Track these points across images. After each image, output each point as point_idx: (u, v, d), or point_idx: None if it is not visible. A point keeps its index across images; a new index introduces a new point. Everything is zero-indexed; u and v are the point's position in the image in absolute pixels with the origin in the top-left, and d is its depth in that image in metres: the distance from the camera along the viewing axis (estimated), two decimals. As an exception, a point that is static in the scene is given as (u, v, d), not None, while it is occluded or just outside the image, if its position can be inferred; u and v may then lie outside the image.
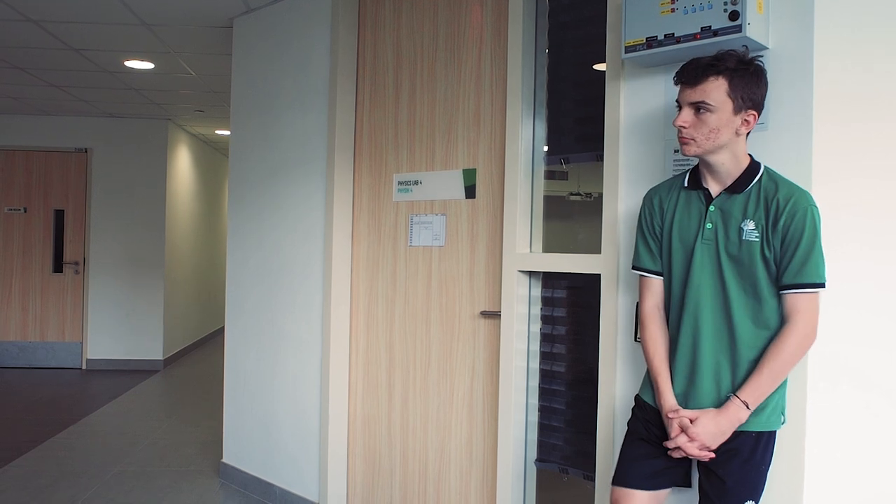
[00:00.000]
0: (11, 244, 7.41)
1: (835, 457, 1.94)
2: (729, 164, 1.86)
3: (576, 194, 2.88)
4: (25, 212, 7.40)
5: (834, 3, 1.93)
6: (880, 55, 1.96)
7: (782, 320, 1.81)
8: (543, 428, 2.77)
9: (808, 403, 1.90)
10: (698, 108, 1.82)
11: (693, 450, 1.83)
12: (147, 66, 5.26)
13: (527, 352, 2.78)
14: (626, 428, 2.08)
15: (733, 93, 1.80)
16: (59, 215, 7.45)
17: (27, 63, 5.23)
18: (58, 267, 7.45)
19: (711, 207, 1.88)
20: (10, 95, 6.37)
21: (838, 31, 1.94)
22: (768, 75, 1.95)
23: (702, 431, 1.81)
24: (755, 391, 1.79)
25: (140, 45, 4.72)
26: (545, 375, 2.76)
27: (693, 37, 1.98)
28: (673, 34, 2.02)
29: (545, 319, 2.77)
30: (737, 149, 1.85)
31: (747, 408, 1.79)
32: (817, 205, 1.79)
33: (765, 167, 1.87)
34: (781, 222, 1.77)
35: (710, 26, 1.94)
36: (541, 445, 2.78)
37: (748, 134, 1.89)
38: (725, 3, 1.91)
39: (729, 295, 1.84)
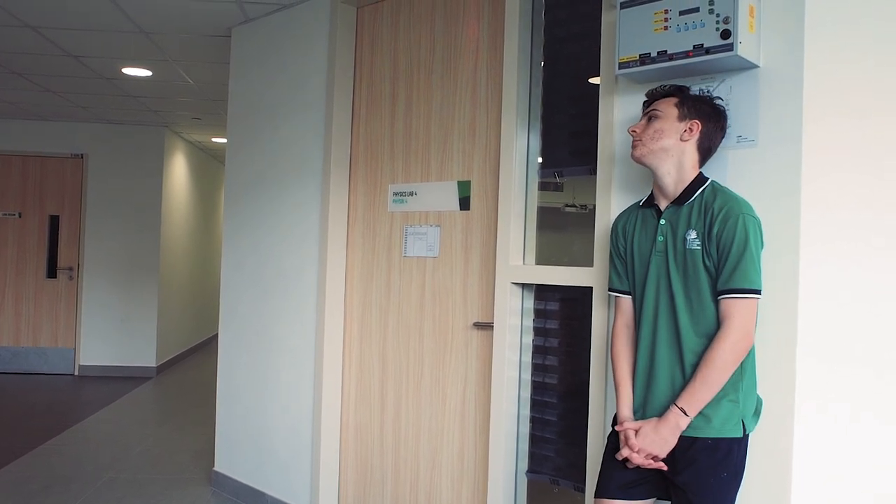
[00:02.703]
0: (5, 249, 7.39)
1: (826, 465, 1.96)
2: (674, 175, 1.96)
3: (571, 205, 2.90)
4: (20, 217, 7.40)
5: (824, 14, 1.97)
6: (872, 52, 2.00)
7: (717, 326, 1.86)
8: (535, 439, 2.78)
9: (795, 406, 1.91)
10: (650, 117, 2.00)
11: (639, 459, 1.90)
12: (145, 73, 5.27)
13: (519, 363, 2.80)
14: (607, 441, 2.12)
15: (680, 104, 1.97)
16: (54, 221, 7.44)
17: (25, 69, 5.24)
18: (52, 272, 7.44)
19: (662, 220, 1.98)
20: (7, 100, 6.38)
21: (833, 29, 1.97)
22: (759, 92, 2.01)
23: (643, 441, 1.90)
24: (691, 397, 1.84)
25: (138, 53, 4.74)
26: (537, 387, 2.78)
27: (686, 54, 2.01)
28: (666, 51, 2.05)
29: (538, 331, 2.79)
30: (683, 159, 1.96)
31: (685, 414, 1.84)
32: (757, 215, 1.87)
33: (712, 181, 1.96)
34: (715, 230, 1.85)
35: (702, 44, 1.97)
36: (532, 456, 2.79)
37: (705, 154, 1.98)
38: (717, 22, 1.94)
39: (676, 303, 1.92)
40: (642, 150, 1.98)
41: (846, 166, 1.97)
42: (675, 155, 1.95)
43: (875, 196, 1.99)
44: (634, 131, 2.02)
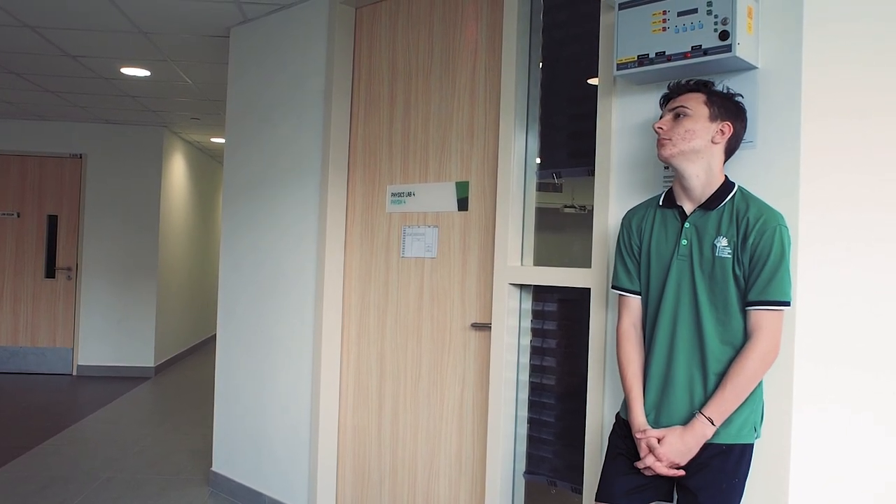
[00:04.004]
0: (4, 249, 7.38)
1: (820, 471, 1.95)
2: (703, 178, 1.90)
3: (570, 206, 2.89)
4: (19, 217, 7.39)
5: (823, 14, 1.97)
6: (872, 52, 2.00)
7: (746, 336, 1.84)
8: (532, 440, 2.78)
9: (794, 407, 1.91)
10: (677, 113, 1.92)
11: (663, 469, 1.86)
12: (143, 73, 5.27)
13: (517, 364, 2.79)
14: (608, 443, 2.11)
15: (710, 103, 1.90)
16: (53, 220, 7.43)
17: (23, 68, 5.24)
18: (50, 272, 7.43)
19: (687, 224, 1.92)
20: (5, 100, 6.37)
21: (832, 29, 1.97)
22: (757, 93, 2.00)
23: (668, 450, 1.85)
24: (719, 407, 1.82)
25: (137, 53, 4.73)
26: (535, 388, 2.77)
27: (684, 55, 2.00)
28: (664, 52, 2.04)
29: (536, 332, 2.79)
30: (712, 162, 1.90)
31: (712, 424, 1.82)
32: (787, 225, 1.84)
33: (739, 187, 1.91)
34: (751, 240, 1.81)
35: (700, 45, 1.97)
36: (530, 457, 2.79)
37: (729, 155, 1.95)
38: (716, 24, 1.94)
39: (700, 309, 1.88)
40: (672, 149, 1.89)
41: (845, 166, 1.97)
42: (705, 157, 1.89)
43: (875, 196, 1.99)
44: (661, 128, 1.92)
